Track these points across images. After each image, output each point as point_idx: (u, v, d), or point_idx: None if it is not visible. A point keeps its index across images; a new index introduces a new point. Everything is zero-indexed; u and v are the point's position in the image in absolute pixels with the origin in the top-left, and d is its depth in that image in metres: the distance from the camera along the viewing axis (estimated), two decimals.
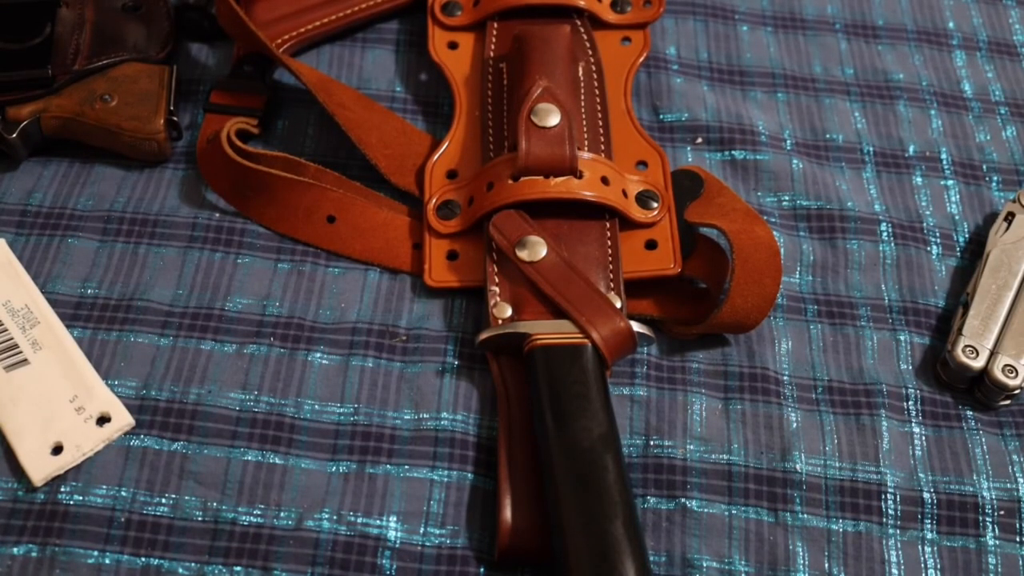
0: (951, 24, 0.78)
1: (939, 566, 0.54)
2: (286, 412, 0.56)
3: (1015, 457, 0.57)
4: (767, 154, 0.68)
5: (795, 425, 0.57)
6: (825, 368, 0.60)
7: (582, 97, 0.66)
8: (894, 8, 0.78)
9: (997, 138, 0.71)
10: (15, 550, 0.51)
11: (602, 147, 0.64)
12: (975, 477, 0.56)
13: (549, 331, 0.56)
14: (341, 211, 0.62)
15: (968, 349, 0.58)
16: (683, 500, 0.55)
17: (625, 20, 0.71)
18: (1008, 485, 0.56)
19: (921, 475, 0.56)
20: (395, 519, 0.53)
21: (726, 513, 0.54)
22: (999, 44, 0.77)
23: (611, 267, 0.59)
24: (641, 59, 0.70)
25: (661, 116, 0.70)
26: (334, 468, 0.55)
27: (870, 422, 0.58)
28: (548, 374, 0.54)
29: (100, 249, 0.62)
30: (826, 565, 0.53)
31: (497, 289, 0.59)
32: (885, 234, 0.65)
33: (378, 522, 0.53)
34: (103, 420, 0.55)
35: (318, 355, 0.58)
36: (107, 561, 0.51)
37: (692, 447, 0.56)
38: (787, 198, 0.67)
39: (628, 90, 0.68)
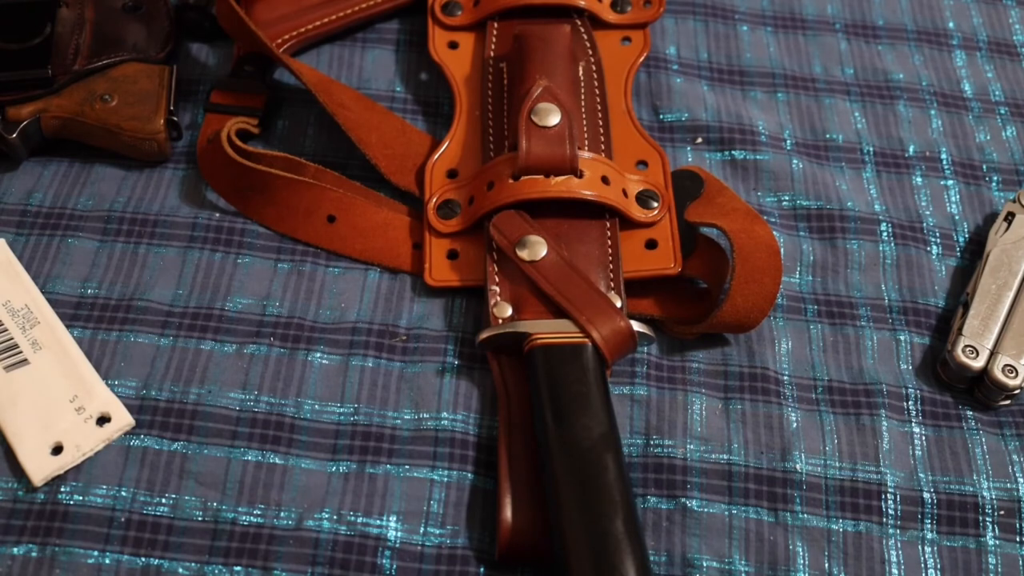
0: (951, 24, 0.78)
1: (939, 566, 0.54)
2: (286, 412, 0.56)
3: (1015, 457, 0.57)
4: (767, 154, 0.68)
5: (795, 425, 0.57)
6: (825, 368, 0.60)
7: (582, 97, 0.66)
8: (894, 8, 0.78)
9: (997, 138, 0.71)
10: (15, 550, 0.51)
11: (602, 147, 0.64)
12: (975, 477, 0.56)
13: (549, 330, 0.56)
14: (341, 211, 0.62)
15: (968, 349, 0.58)
16: (683, 500, 0.55)
17: (625, 20, 0.71)
18: (1008, 485, 0.56)
19: (921, 475, 0.56)
20: (395, 519, 0.53)
21: (726, 513, 0.54)
22: (999, 44, 0.77)
23: (611, 266, 0.59)
24: (641, 59, 0.70)
25: (661, 116, 0.70)
26: (334, 468, 0.55)
27: (870, 422, 0.58)
28: (548, 373, 0.54)
29: (100, 249, 0.62)
30: (826, 565, 0.53)
31: (497, 288, 0.59)
32: (885, 234, 0.65)
33: (378, 522, 0.53)
34: (103, 420, 0.55)
35: (318, 355, 0.58)
36: (107, 561, 0.51)
37: (692, 447, 0.56)
38: (787, 198, 0.67)
39: (628, 90, 0.68)
